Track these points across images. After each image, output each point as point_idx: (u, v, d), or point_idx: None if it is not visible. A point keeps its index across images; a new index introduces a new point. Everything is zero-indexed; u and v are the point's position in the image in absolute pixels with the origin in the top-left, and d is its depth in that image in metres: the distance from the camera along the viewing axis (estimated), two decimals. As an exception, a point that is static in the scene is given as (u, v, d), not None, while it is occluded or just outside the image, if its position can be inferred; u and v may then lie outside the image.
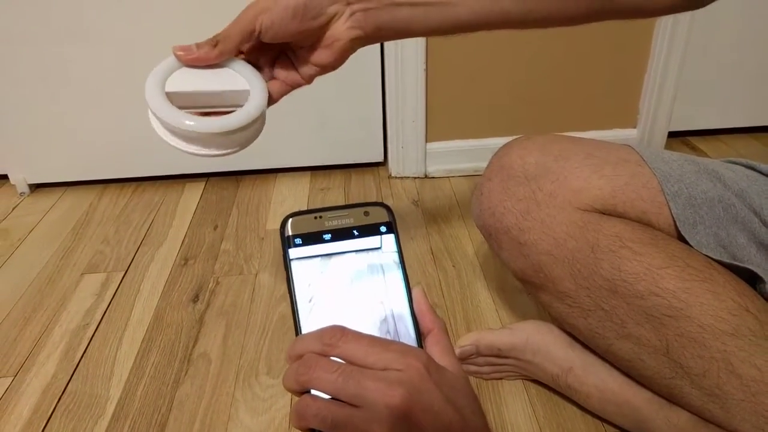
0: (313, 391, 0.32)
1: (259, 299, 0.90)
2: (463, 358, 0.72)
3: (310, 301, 0.35)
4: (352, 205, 0.38)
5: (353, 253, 0.37)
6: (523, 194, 0.63)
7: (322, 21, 0.55)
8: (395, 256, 0.37)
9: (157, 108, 0.52)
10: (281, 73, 0.60)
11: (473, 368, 0.73)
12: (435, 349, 0.35)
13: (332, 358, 0.32)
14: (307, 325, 0.34)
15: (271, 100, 0.59)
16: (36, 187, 1.28)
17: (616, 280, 0.56)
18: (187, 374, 0.77)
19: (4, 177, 1.27)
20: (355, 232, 0.37)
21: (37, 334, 0.85)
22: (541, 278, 0.62)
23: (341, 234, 0.37)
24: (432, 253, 1.00)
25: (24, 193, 1.26)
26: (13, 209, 1.21)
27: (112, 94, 1.17)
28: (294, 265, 0.36)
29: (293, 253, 0.36)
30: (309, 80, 0.60)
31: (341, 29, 0.56)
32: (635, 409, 0.61)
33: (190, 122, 0.52)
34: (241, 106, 0.55)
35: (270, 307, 0.89)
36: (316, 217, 0.37)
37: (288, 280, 0.35)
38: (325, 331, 0.33)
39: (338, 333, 0.32)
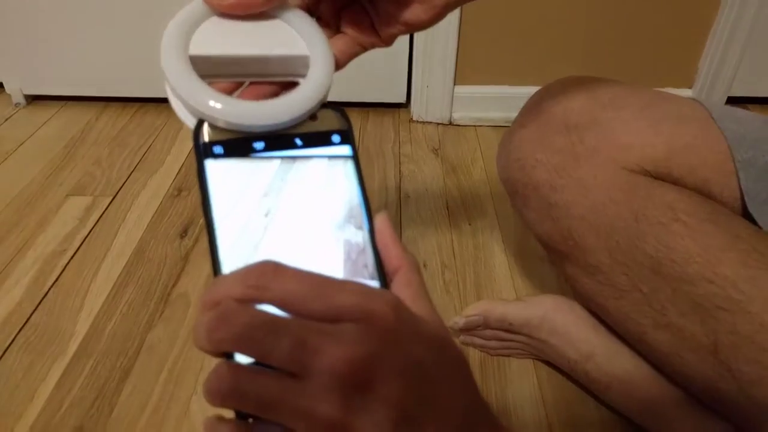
0: (236, 355, 0.23)
1: (251, 241, 0.82)
2: (469, 330, 0.64)
3: (237, 230, 0.26)
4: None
5: (295, 169, 0.28)
6: (561, 146, 0.53)
7: None
8: (352, 176, 0.28)
9: (174, 79, 0.33)
10: (351, 30, 0.41)
11: (478, 341, 0.65)
12: (405, 292, 0.26)
13: (262, 307, 0.23)
14: (231, 263, 0.25)
15: (336, 65, 0.40)
16: (33, 99, 1.21)
17: (662, 259, 0.47)
18: (162, 316, 0.70)
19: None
20: (298, 142, 0.28)
21: (9, 257, 0.79)
22: (570, 247, 0.53)
23: (278, 143, 0.27)
24: (447, 208, 0.90)
25: (19, 104, 1.18)
26: (6, 120, 1.14)
27: (122, 6, 1.07)
28: (212, 181, 0.26)
29: (212, 166, 0.27)
30: (389, 42, 0.43)
31: None
32: (663, 410, 0.53)
33: (217, 104, 0.31)
34: (295, 76, 0.36)
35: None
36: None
37: (204, 201, 0.26)
38: (251, 269, 0.23)
39: (270, 271, 0.23)
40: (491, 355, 0.66)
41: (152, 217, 0.87)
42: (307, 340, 0.22)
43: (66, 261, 0.78)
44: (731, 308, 0.43)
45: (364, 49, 0.43)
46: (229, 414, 0.24)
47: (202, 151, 0.27)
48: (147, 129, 1.11)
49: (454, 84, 1.12)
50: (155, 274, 0.76)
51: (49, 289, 0.74)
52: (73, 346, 0.66)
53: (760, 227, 0.48)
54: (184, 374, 0.63)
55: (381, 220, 0.28)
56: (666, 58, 1.12)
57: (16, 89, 1.17)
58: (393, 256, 0.27)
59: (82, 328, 0.68)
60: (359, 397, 0.22)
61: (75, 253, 0.80)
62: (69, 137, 1.08)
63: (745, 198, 0.49)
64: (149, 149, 1.05)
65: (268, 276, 0.23)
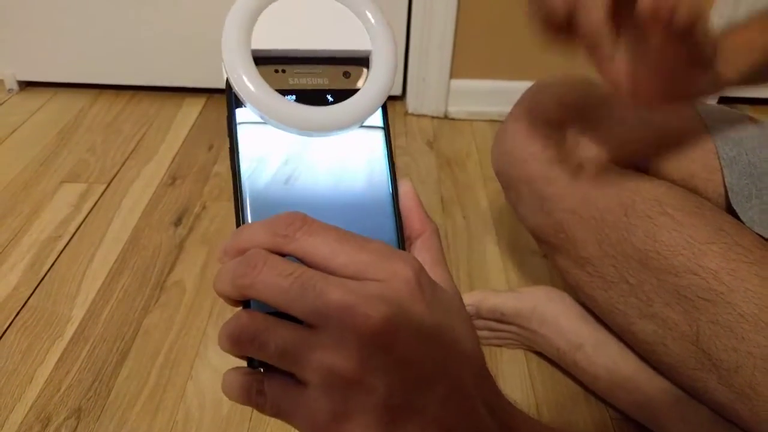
0: (253, 304, 0.24)
1: (247, 229, 0.83)
2: (461, 319, 0.65)
3: (263, 182, 0.26)
4: (327, 58, 0.28)
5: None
6: (553, 140, 0.54)
7: None
8: (380, 137, 0.29)
9: (237, 76, 0.30)
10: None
11: (470, 331, 0.66)
12: (425, 256, 0.27)
13: (287, 258, 0.23)
14: (256, 215, 0.26)
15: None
16: (26, 85, 1.20)
17: (649, 251, 0.48)
18: (157, 302, 0.71)
19: (-7, 71, 1.19)
20: (329, 98, 0.28)
21: (4, 242, 0.79)
22: (562, 239, 0.54)
23: (309, 98, 0.27)
24: (442, 202, 0.91)
25: (12, 90, 1.18)
26: (-1, 106, 1.13)
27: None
28: (242, 132, 0.27)
29: (243, 116, 0.27)
30: None
31: None
32: (648, 399, 0.55)
33: (283, 111, 0.30)
34: (357, 66, 0.32)
35: (258, 239, 0.81)
36: (277, 71, 0.28)
37: (232, 151, 0.26)
38: (279, 218, 0.24)
39: (298, 221, 0.24)
40: (482, 345, 0.67)
41: (147, 205, 0.87)
42: (331, 294, 0.22)
43: (62, 247, 0.78)
44: (713, 299, 0.45)
45: None
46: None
47: (234, 100, 0.27)
48: (141, 117, 1.11)
49: (450, 77, 1.13)
50: (150, 261, 0.77)
51: (46, 274, 0.74)
52: (70, 330, 0.66)
53: (743, 222, 0.49)
54: (180, 359, 0.63)
55: (406, 184, 0.28)
56: (657, 57, 1.13)
57: (9, 75, 1.16)
58: (417, 220, 0.27)
59: (78, 313, 0.69)
60: (377, 355, 0.22)
61: (70, 239, 0.80)
62: (63, 124, 1.08)
63: (729, 194, 0.50)
64: (143, 137, 1.05)
65: (295, 226, 0.23)
